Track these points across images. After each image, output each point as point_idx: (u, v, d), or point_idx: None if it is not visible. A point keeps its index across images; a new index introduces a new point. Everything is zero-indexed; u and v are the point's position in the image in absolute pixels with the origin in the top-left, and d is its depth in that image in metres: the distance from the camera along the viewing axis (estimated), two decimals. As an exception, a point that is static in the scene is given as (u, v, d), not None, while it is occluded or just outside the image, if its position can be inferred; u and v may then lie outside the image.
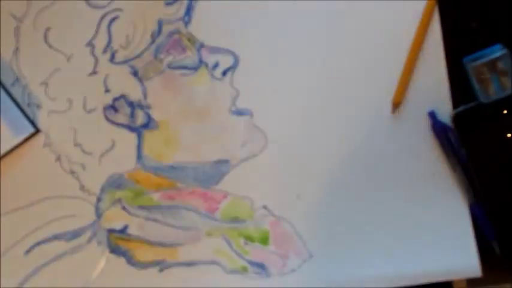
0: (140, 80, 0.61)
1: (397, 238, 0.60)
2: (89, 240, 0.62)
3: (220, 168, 0.61)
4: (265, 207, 0.61)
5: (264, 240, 0.61)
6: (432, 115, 0.59)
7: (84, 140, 0.62)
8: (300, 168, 0.61)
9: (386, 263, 0.60)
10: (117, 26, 0.61)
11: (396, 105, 0.59)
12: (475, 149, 0.59)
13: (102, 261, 0.62)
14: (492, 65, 0.57)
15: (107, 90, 0.62)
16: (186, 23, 0.61)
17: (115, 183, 0.62)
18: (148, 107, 0.61)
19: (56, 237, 0.62)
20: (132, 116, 0.62)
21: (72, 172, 0.62)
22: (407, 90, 0.59)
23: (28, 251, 0.62)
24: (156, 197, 0.62)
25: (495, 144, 0.59)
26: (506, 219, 0.59)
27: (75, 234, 0.62)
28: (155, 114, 0.61)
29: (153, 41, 0.61)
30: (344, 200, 0.60)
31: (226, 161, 0.61)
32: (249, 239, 0.61)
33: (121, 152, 0.62)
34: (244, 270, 0.61)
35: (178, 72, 0.61)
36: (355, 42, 0.60)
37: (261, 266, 0.61)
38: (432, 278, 0.59)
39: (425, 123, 0.59)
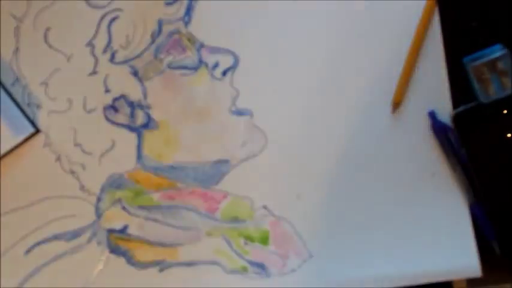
0: (140, 80, 0.61)
1: (397, 238, 0.60)
2: (89, 240, 0.62)
3: (220, 168, 0.61)
4: (265, 207, 0.61)
5: (264, 240, 0.61)
6: (432, 115, 0.59)
7: (84, 140, 0.62)
8: (300, 168, 0.61)
9: (387, 263, 0.60)
10: (117, 26, 0.61)
11: (396, 105, 0.59)
12: (475, 149, 0.59)
13: (102, 261, 0.62)
14: (492, 65, 0.57)
15: (107, 90, 0.62)
16: (186, 23, 0.61)
17: (115, 183, 0.62)
18: (148, 107, 0.61)
19: (56, 237, 0.62)
20: (132, 116, 0.62)
21: (72, 172, 0.62)
22: (407, 90, 0.59)
23: (28, 251, 0.62)
24: (156, 197, 0.62)
25: (495, 144, 0.59)
26: (506, 219, 0.59)
27: (75, 234, 0.62)
28: (155, 114, 0.61)
29: (153, 41, 0.61)
30: (344, 200, 0.60)
31: (226, 161, 0.61)
32: (249, 239, 0.61)
33: (121, 152, 0.62)
34: (244, 270, 0.61)
35: (178, 72, 0.61)
36: (355, 42, 0.60)
37: (261, 266, 0.61)
38: (432, 278, 0.59)
39: (425, 123, 0.59)
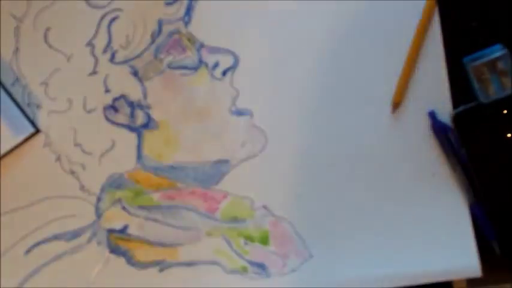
0: (140, 80, 0.61)
1: (397, 238, 0.60)
2: (89, 240, 0.62)
3: (220, 168, 0.61)
4: (265, 207, 0.61)
5: (264, 240, 0.61)
6: (432, 115, 0.59)
7: (84, 140, 0.62)
8: (300, 168, 0.61)
9: (386, 263, 0.60)
10: (117, 26, 0.61)
11: (396, 105, 0.59)
12: (475, 149, 0.59)
13: (102, 261, 0.62)
14: (492, 65, 0.57)
15: (107, 90, 0.62)
16: (186, 23, 0.61)
17: (115, 183, 0.62)
18: (148, 107, 0.61)
19: (56, 237, 0.62)
20: (132, 116, 0.62)
21: (72, 172, 0.62)
22: (407, 90, 0.59)
23: (28, 251, 0.62)
24: (156, 197, 0.62)
25: (495, 144, 0.59)
26: (506, 219, 0.59)
27: (75, 234, 0.62)
28: (155, 114, 0.61)
29: (153, 41, 0.61)
30: (344, 200, 0.60)
31: (226, 161, 0.61)
32: (249, 239, 0.61)
33: (121, 152, 0.62)
34: (244, 270, 0.61)
35: (178, 72, 0.61)
36: (355, 42, 0.60)
37: (261, 266, 0.61)
38: (432, 278, 0.59)
39: (425, 123, 0.59)
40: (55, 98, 0.62)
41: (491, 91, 0.57)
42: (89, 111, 0.62)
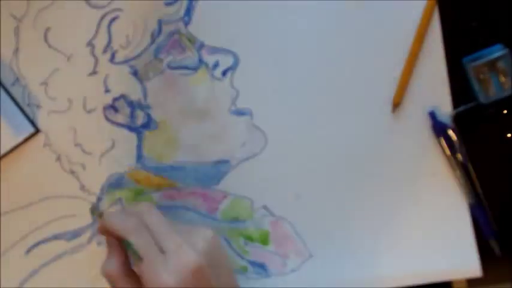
0: (140, 80, 0.61)
1: (397, 238, 0.60)
2: (89, 240, 0.62)
3: (220, 168, 0.61)
4: (265, 207, 0.61)
5: (264, 240, 0.61)
6: (432, 115, 0.59)
7: (84, 140, 0.62)
8: (300, 168, 0.61)
9: (387, 263, 0.60)
10: (117, 26, 0.61)
11: (396, 105, 0.59)
12: (475, 149, 0.59)
13: (102, 261, 0.62)
14: (492, 65, 0.57)
15: (107, 90, 0.62)
16: (186, 23, 0.61)
17: (115, 183, 0.62)
18: (149, 107, 0.61)
19: (56, 237, 0.62)
20: (132, 116, 0.62)
21: (72, 172, 0.62)
22: (407, 90, 0.59)
23: (28, 251, 0.62)
24: (156, 197, 0.62)
25: (495, 144, 0.59)
26: (506, 219, 0.59)
27: (75, 234, 0.62)
28: (155, 114, 0.61)
29: (153, 41, 0.61)
30: (344, 200, 0.60)
31: (226, 161, 0.61)
32: (249, 239, 0.61)
33: (121, 152, 0.62)
34: (244, 270, 0.61)
35: (178, 72, 0.61)
36: (355, 42, 0.60)
37: (261, 266, 0.61)
38: (432, 278, 0.59)
39: (425, 123, 0.59)
40: (55, 98, 0.62)
41: (491, 91, 0.57)
42: (89, 111, 0.62)
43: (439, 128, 0.59)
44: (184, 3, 0.61)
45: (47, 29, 0.61)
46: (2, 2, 0.61)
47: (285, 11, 0.60)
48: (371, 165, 0.60)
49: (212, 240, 0.50)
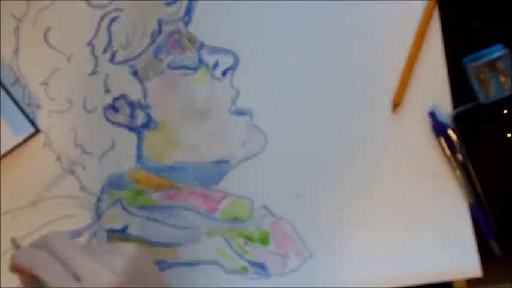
0: (140, 80, 0.61)
1: (397, 238, 0.60)
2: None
3: (220, 168, 0.61)
4: (265, 207, 0.61)
5: (264, 240, 0.61)
6: (432, 115, 0.59)
7: (84, 140, 0.62)
8: (300, 168, 0.61)
9: (386, 263, 0.60)
10: (117, 26, 0.61)
11: (396, 105, 0.59)
12: (475, 149, 0.59)
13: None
14: (492, 65, 0.57)
15: (107, 90, 0.62)
16: (186, 23, 0.61)
17: (115, 183, 0.62)
18: (149, 107, 0.61)
19: (56, 237, 0.62)
20: (132, 116, 0.62)
21: (72, 172, 0.62)
22: (407, 90, 0.59)
23: (28, 251, 0.62)
24: (156, 197, 0.62)
25: (495, 144, 0.59)
26: (506, 219, 0.59)
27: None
28: (155, 114, 0.61)
29: (153, 41, 0.61)
30: (344, 200, 0.60)
31: (226, 161, 0.61)
32: (249, 239, 0.61)
33: (121, 152, 0.62)
34: (244, 270, 0.61)
35: (178, 72, 0.61)
36: (355, 42, 0.60)
37: (261, 266, 0.61)
38: (432, 278, 0.59)
39: (425, 123, 0.59)
40: (55, 98, 0.62)
41: (491, 91, 0.57)
42: (89, 111, 0.62)
43: (439, 128, 0.59)
44: (184, 3, 0.61)
45: (47, 29, 0.61)
46: (2, 2, 0.61)
47: (285, 11, 0.60)
48: (371, 165, 0.60)
49: (135, 253, 0.49)
